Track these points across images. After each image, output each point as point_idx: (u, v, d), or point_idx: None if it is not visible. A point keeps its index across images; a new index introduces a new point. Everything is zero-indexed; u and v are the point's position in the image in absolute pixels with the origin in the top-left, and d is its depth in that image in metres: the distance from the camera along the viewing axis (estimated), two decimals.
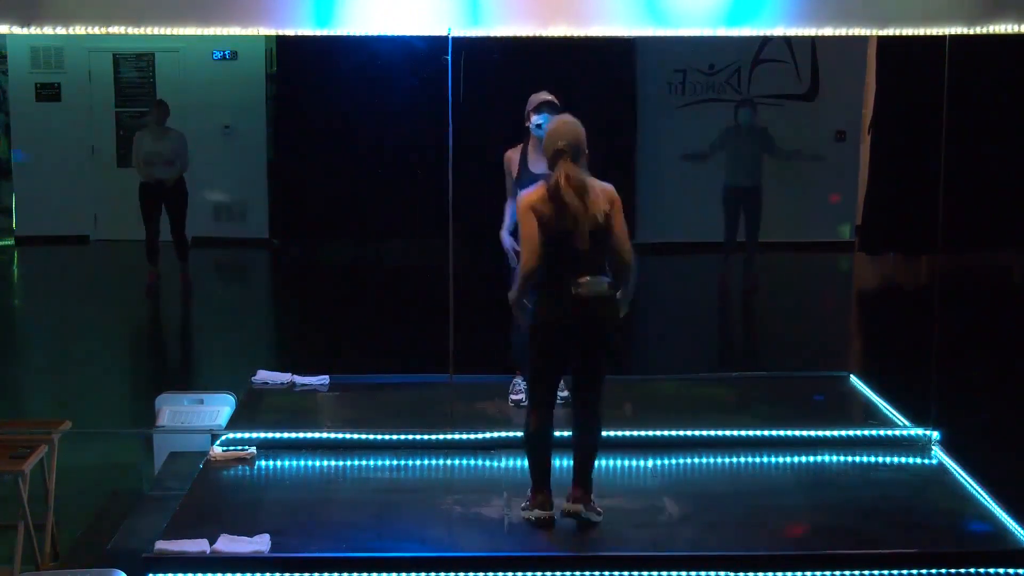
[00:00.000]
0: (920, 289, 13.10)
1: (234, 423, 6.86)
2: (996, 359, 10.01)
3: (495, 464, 6.52)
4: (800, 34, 7.21)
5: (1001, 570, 5.38)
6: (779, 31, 6.74)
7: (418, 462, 6.58)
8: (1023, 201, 13.95)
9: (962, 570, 5.37)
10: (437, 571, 5.33)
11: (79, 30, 6.44)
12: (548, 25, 6.43)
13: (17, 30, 6.40)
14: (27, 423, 6.58)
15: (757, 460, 6.62)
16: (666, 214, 14.60)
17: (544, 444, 5.76)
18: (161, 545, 5.35)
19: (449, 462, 6.58)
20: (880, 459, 6.63)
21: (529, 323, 5.64)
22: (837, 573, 5.35)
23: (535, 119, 6.87)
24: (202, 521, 5.66)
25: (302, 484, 6.39)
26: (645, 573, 5.32)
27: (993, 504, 5.92)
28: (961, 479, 6.30)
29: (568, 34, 6.46)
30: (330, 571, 5.30)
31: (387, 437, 6.73)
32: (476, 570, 5.33)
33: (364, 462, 6.57)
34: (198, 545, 5.34)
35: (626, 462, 6.54)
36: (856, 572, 5.36)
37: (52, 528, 6.11)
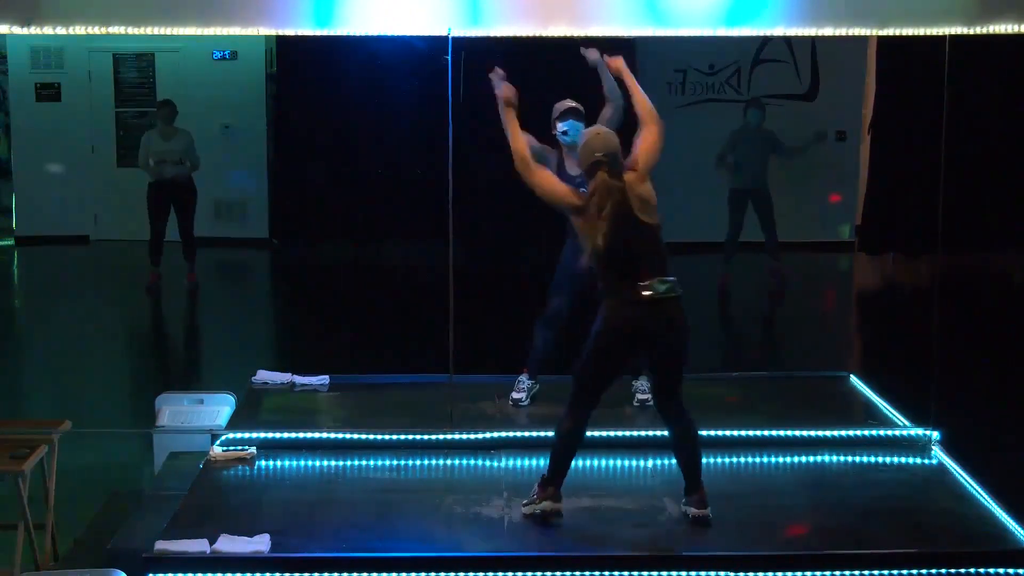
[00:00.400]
0: (920, 289, 13.10)
1: (234, 423, 6.86)
2: (996, 359, 10.01)
3: (495, 464, 6.52)
4: (800, 34, 7.21)
5: (1001, 570, 5.39)
6: (779, 31, 6.74)
7: (418, 462, 6.58)
8: (1023, 201, 13.95)
9: (962, 570, 5.37)
10: (437, 571, 5.33)
11: (79, 30, 6.45)
12: (548, 25, 6.43)
13: (17, 30, 6.40)
14: (27, 423, 6.59)
15: (757, 460, 6.62)
16: (666, 214, 14.56)
17: (576, 444, 5.77)
18: (161, 545, 5.35)
19: (449, 462, 6.58)
20: (880, 459, 6.63)
21: (596, 328, 5.67)
22: (837, 573, 5.35)
23: (560, 126, 6.91)
24: (202, 521, 5.66)
25: (302, 484, 6.39)
26: (645, 573, 5.32)
27: (993, 504, 5.92)
28: (961, 479, 6.30)
29: (568, 34, 6.46)
30: (330, 571, 5.30)
31: (387, 437, 6.72)
32: (476, 570, 5.33)
33: (364, 462, 6.57)
34: (198, 545, 5.34)
35: (626, 462, 6.54)
36: (856, 572, 5.36)
37: (52, 528, 6.11)
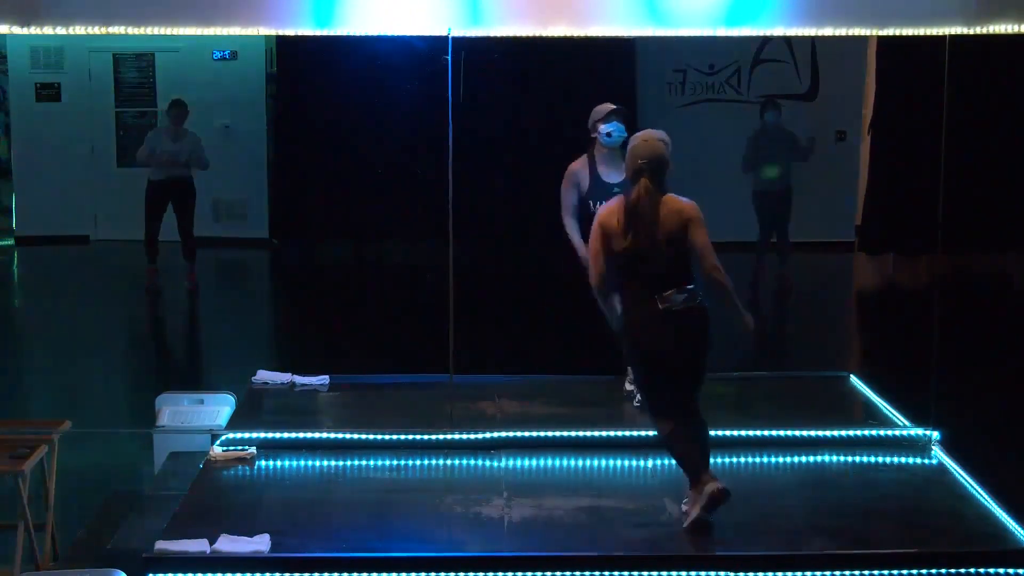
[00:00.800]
0: (920, 289, 13.10)
1: (234, 423, 6.86)
2: (996, 359, 10.01)
3: (495, 464, 6.52)
4: (800, 34, 7.21)
5: (1001, 570, 5.38)
6: (779, 31, 6.74)
7: (418, 462, 6.58)
8: (1023, 202, 13.95)
9: (962, 570, 5.37)
10: (437, 571, 5.33)
11: (79, 30, 6.44)
12: (548, 25, 6.43)
13: (17, 30, 6.40)
14: (27, 423, 6.58)
15: (757, 460, 6.62)
16: None
17: (688, 440, 5.73)
18: (161, 545, 5.35)
19: (449, 462, 6.58)
20: (880, 459, 6.63)
21: (625, 344, 5.72)
22: (837, 573, 5.35)
23: (604, 127, 6.93)
24: (202, 521, 5.66)
25: (302, 484, 6.39)
26: (645, 573, 5.32)
27: (993, 504, 5.92)
28: (961, 479, 6.30)
29: (568, 34, 6.45)
30: (330, 571, 5.30)
31: (387, 437, 6.72)
32: (476, 570, 5.33)
33: (364, 462, 6.57)
34: (198, 545, 5.34)
35: (626, 462, 6.54)
36: (856, 572, 5.36)
37: (52, 528, 6.11)
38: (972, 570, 5.37)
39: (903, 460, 6.64)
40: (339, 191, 14.62)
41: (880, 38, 12.05)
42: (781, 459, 6.62)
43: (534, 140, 13.37)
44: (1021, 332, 10.99)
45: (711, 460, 5.74)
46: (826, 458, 6.62)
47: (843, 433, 6.79)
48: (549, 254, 7.13)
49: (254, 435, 6.67)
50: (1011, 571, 5.39)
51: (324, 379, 7.66)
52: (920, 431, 6.81)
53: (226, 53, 15.26)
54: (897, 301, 13.21)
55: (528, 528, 5.67)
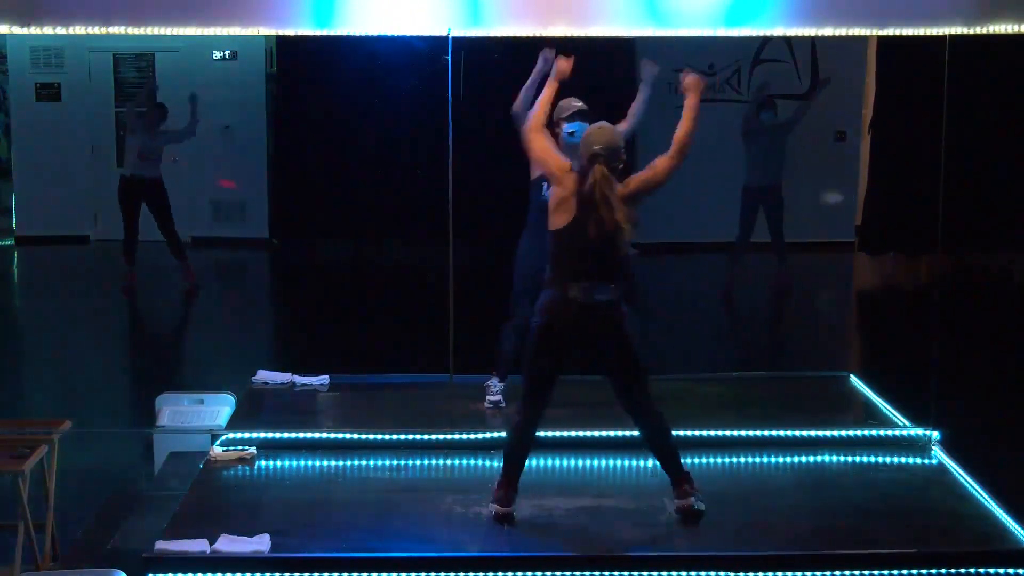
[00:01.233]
0: (920, 289, 13.10)
1: (234, 423, 6.86)
2: (996, 359, 10.01)
3: (495, 464, 6.49)
4: (800, 34, 7.22)
5: (1001, 570, 5.39)
6: (779, 31, 6.75)
7: (418, 462, 6.58)
8: (1023, 201, 13.95)
9: (962, 570, 5.37)
10: (437, 571, 5.33)
11: (79, 30, 6.45)
12: (548, 25, 6.43)
13: (17, 30, 6.40)
14: (27, 423, 6.57)
15: (757, 460, 6.62)
16: (666, 214, 14.58)
17: (527, 442, 5.77)
18: (161, 545, 5.35)
19: (449, 462, 6.58)
20: (880, 459, 6.63)
21: (534, 322, 5.68)
22: (837, 573, 5.35)
23: (567, 127, 6.86)
24: (202, 521, 5.66)
25: (302, 484, 6.39)
26: (645, 573, 5.32)
27: (993, 504, 5.92)
28: (961, 479, 6.30)
29: (568, 34, 6.46)
30: (330, 571, 5.30)
31: (387, 437, 6.73)
32: (476, 570, 5.33)
33: (364, 462, 6.57)
34: (198, 545, 5.34)
35: (626, 462, 6.54)
36: (856, 572, 5.36)
37: (52, 528, 6.11)
38: (972, 570, 5.37)
39: (903, 460, 6.64)
40: (339, 191, 14.62)
41: (880, 38, 12.07)
42: (781, 459, 6.62)
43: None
44: (1021, 332, 10.99)
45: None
46: (826, 458, 6.63)
47: (843, 433, 6.79)
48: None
49: (254, 435, 6.67)
50: (1011, 571, 5.39)
51: (324, 379, 7.66)
52: (920, 431, 6.81)
53: (226, 53, 15.26)
54: (897, 301, 13.20)
55: (528, 528, 5.67)
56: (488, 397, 7.23)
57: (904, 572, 5.36)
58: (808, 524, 5.81)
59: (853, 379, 7.90)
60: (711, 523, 5.75)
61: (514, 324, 7.07)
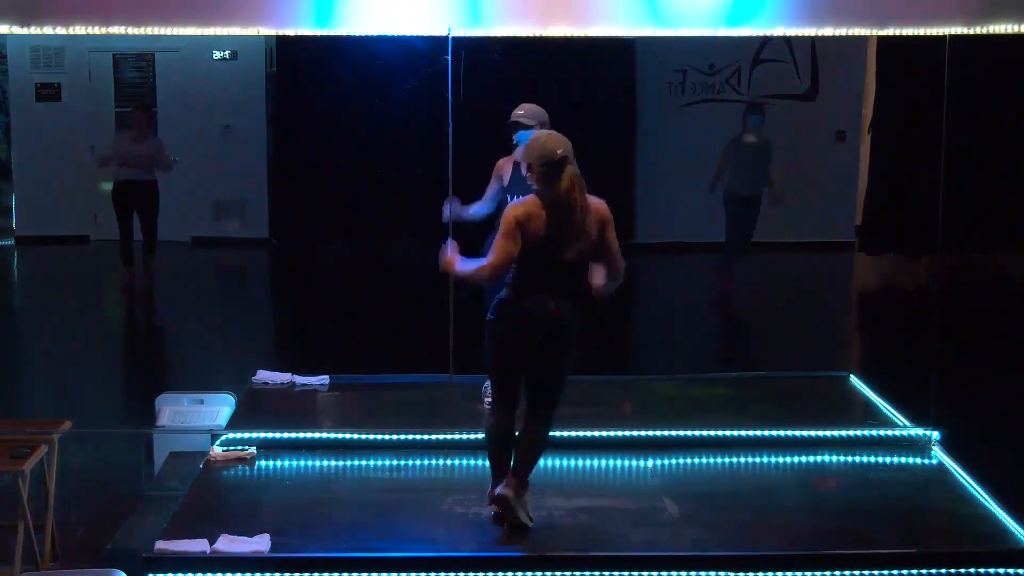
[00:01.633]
0: (920, 289, 13.10)
1: (234, 423, 6.86)
2: (996, 359, 10.01)
3: None
4: (800, 34, 7.21)
5: (1001, 570, 5.39)
6: (779, 31, 6.75)
7: (418, 462, 6.58)
8: (1023, 201, 13.94)
9: (962, 570, 5.37)
10: (437, 571, 5.34)
11: (79, 30, 6.45)
12: (548, 25, 6.43)
13: (17, 30, 6.40)
14: (27, 423, 6.56)
15: (757, 460, 6.62)
16: (665, 214, 14.61)
17: (504, 440, 5.73)
18: (161, 545, 5.35)
19: (449, 462, 6.58)
20: (880, 459, 6.63)
21: (488, 330, 5.61)
22: (837, 573, 5.35)
23: (517, 137, 6.88)
24: (202, 521, 5.66)
25: (302, 484, 6.39)
26: (645, 573, 5.32)
27: (993, 504, 5.92)
28: (961, 479, 6.30)
29: (568, 34, 6.46)
30: (330, 571, 5.31)
31: (387, 437, 6.73)
32: (476, 570, 5.33)
33: (364, 462, 6.58)
34: (198, 545, 5.34)
35: (626, 462, 6.54)
36: (856, 572, 5.36)
37: (52, 528, 6.11)
38: (972, 570, 5.38)
39: (903, 460, 6.64)
40: (339, 191, 14.61)
41: (880, 38, 12.06)
42: (781, 459, 6.62)
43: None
44: (1021, 332, 10.99)
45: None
46: (826, 458, 6.63)
47: (843, 433, 6.79)
48: None
49: (254, 435, 6.67)
50: (1011, 571, 5.39)
51: (324, 379, 7.66)
52: (920, 431, 6.82)
53: (226, 53, 15.26)
54: (897, 301, 13.20)
55: (528, 528, 5.66)
56: (486, 399, 7.23)
57: (904, 572, 5.36)
58: (808, 524, 5.82)
59: (853, 379, 7.90)
60: (711, 523, 5.75)
61: None
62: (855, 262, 14.84)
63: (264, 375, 7.71)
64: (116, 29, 6.42)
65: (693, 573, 5.34)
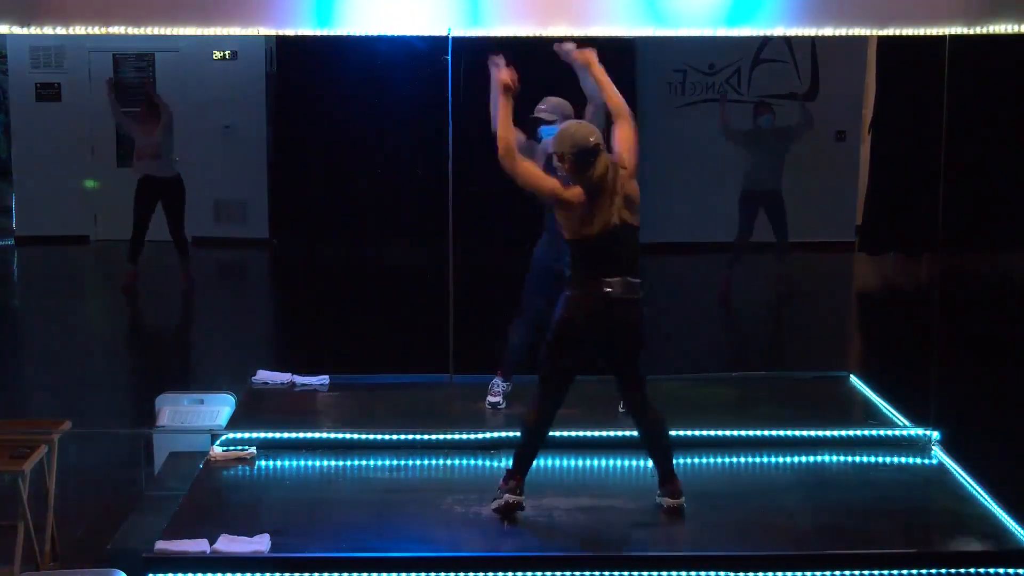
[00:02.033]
0: (920, 289, 13.10)
1: (234, 423, 6.86)
2: (996, 359, 10.01)
3: (495, 464, 6.51)
4: (800, 34, 7.21)
5: (1001, 570, 5.39)
6: (779, 31, 6.75)
7: (418, 462, 6.58)
8: (1023, 201, 13.94)
9: (962, 570, 5.37)
10: (437, 571, 5.34)
11: (79, 30, 6.45)
12: (548, 25, 6.43)
13: (17, 30, 6.40)
14: (27, 423, 6.57)
15: (757, 460, 6.62)
16: (666, 214, 14.60)
17: (540, 439, 5.81)
18: (161, 545, 5.35)
19: (449, 462, 6.58)
20: (880, 459, 6.63)
21: (556, 317, 5.70)
22: (837, 573, 5.35)
23: (544, 131, 6.87)
24: (202, 521, 5.66)
25: (302, 484, 6.39)
26: (645, 573, 5.32)
27: (993, 504, 5.92)
28: (961, 479, 6.30)
29: (568, 34, 6.46)
30: (330, 571, 5.31)
31: (387, 437, 6.73)
32: (476, 570, 5.33)
33: (364, 462, 6.57)
34: (198, 545, 5.34)
35: (626, 462, 6.54)
36: (856, 572, 5.36)
37: (52, 528, 6.11)
38: (972, 570, 5.37)
39: (903, 460, 6.64)
40: (339, 191, 14.62)
41: (880, 38, 12.06)
42: (781, 459, 6.62)
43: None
44: (1021, 332, 10.99)
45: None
46: (826, 458, 6.63)
47: (843, 433, 6.79)
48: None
49: (254, 435, 6.67)
50: (1011, 571, 5.39)
51: (324, 379, 7.66)
52: (920, 431, 6.81)
53: (226, 53, 15.25)
54: (897, 301, 13.20)
55: (528, 528, 5.67)
56: (489, 398, 7.23)
57: (904, 572, 5.36)
58: (808, 524, 5.81)
59: (853, 379, 7.90)
60: (711, 523, 5.75)
61: (522, 318, 7.08)
62: (855, 262, 14.84)
63: (264, 375, 7.70)
64: (116, 29, 6.41)
65: (693, 573, 5.34)
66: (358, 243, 14.81)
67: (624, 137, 5.83)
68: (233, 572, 5.30)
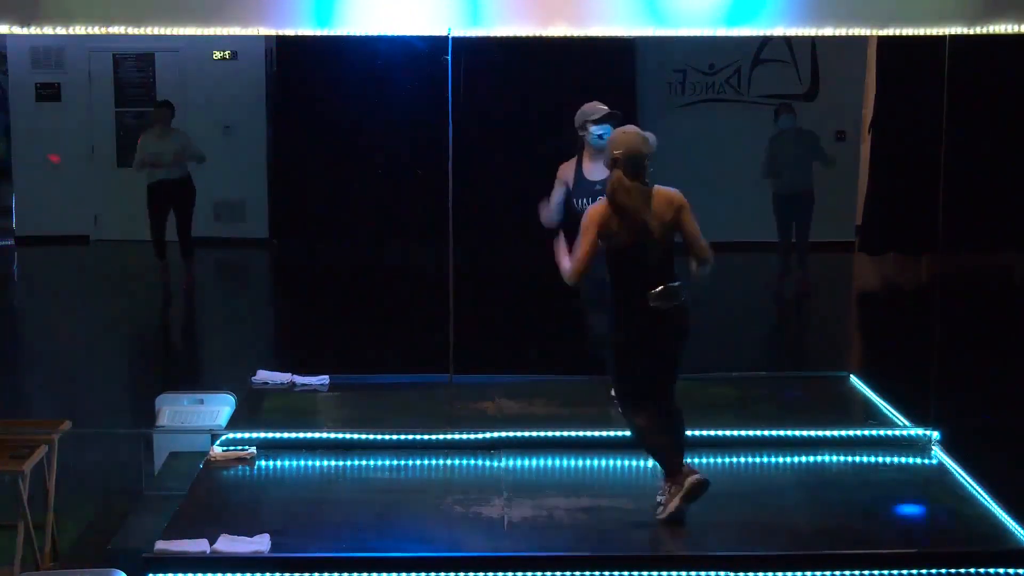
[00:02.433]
0: (920, 289, 13.10)
1: (234, 423, 6.86)
2: (996, 359, 10.01)
3: (495, 464, 6.52)
4: (800, 34, 7.21)
5: (1001, 570, 5.39)
6: (779, 31, 6.74)
7: (418, 462, 6.58)
8: (1023, 201, 13.94)
9: (962, 570, 5.37)
10: (437, 571, 5.33)
11: (79, 30, 6.45)
12: (548, 25, 6.43)
13: (17, 30, 6.40)
14: (27, 423, 6.57)
15: (757, 460, 6.62)
16: None
17: (660, 436, 5.78)
18: (161, 545, 5.35)
19: (449, 462, 6.58)
20: (880, 459, 6.63)
21: (611, 340, 5.73)
22: (837, 573, 5.35)
23: (596, 129, 6.92)
24: (202, 521, 5.66)
25: (302, 484, 6.39)
26: (645, 573, 5.32)
27: (993, 504, 5.92)
28: (961, 479, 6.30)
29: (568, 34, 6.46)
30: (330, 571, 5.30)
31: (387, 437, 6.73)
32: (476, 570, 5.33)
33: (364, 462, 6.57)
34: (198, 545, 5.34)
35: (626, 462, 6.54)
36: (856, 572, 5.36)
37: (52, 528, 6.11)
38: (972, 570, 5.37)
39: (903, 460, 6.64)
40: (339, 191, 14.62)
41: (880, 38, 12.05)
42: (781, 459, 6.62)
43: (534, 140, 13.42)
44: (1021, 332, 10.99)
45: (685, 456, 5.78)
46: (826, 458, 6.63)
47: (843, 433, 6.79)
48: (549, 254, 7.14)
49: (254, 435, 6.67)
50: (1011, 571, 5.39)
51: (324, 379, 7.66)
52: (920, 431, 6.81)
53: (226, 53, 15.25)
54: (897, 301, 13.20)
55: (528, 528, 5.67)
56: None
57: (904, 572, 5.36)
58: (808, 524, 5.81)
59: (853, 379, 7.90)
60: (711, 523, 5.74)
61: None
62: (855, 262, 14.84)
63: (264, 375, 7.70)
64: (116, 29, 6.42)
65: (693, 573, 5.34)
66: (358, 243, 14.81)
67: (697, 236, 5.77)
68: (233, 572, 5.30)
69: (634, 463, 6.52)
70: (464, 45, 6.58)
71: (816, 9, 6.53)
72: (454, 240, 6.76)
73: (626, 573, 5.32)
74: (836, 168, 12.87)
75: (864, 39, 13.90)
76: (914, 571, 5.36)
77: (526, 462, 6.52)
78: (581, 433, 6.70)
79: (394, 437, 6.72)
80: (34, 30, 6.37)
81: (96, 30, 6.47)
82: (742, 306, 12.69)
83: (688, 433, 6.54)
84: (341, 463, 6.56)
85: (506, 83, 13.25)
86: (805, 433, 6.77)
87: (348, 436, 6.73)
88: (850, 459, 6.61)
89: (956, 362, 7.43)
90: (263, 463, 6.52)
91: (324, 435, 6.76)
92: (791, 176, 12.33)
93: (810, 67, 15.22)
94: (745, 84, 15.18)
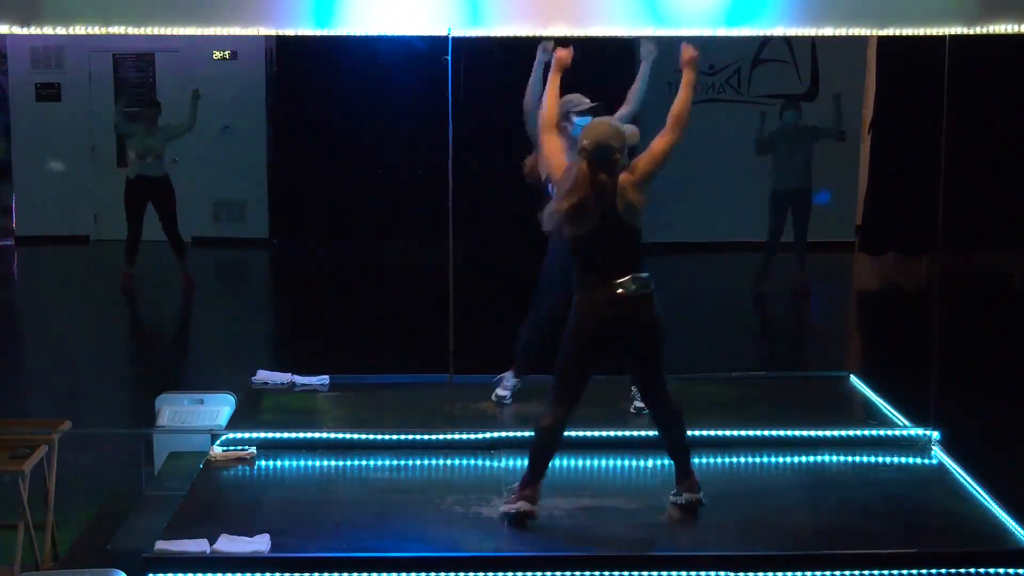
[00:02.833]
0: (920, 289, 13.10)
1: (234, 423, 6.86)
2: (996, 359, 10.01)
3: (495, 464, 6.52)
4: (800, 34, 7.21)
5: (1001, 570, 5.39)
6: (779, 31, 6.75)
7: (418, 462, 6.58)
8: (1023, 201, 13.94)
9: (962, 570, 5.37)
10: (437, 571, 5.33)
11: (79, 30, 6.44)
12: (548, 25, 6.43)
13: (17, 30, 6.40)
14: (27, 423, 6.58)
15: (757, 460, 6.62)
16: (667, 214, 14.59)
17: (555, 442, 5.79)
18: (161, 545, 5.35)
19: (449, 462, 6.58)
20: (880, 459, 6.63)
21: (570, 324, 5.68)
22: (837, 573, 5.35)
23: (578, 121, 6.86)
24: (202, 521, 5.66)
25: (302, 484, 6.39)
26: (645, 573, 5.32)
27: (993, 504, 5.92)
28: (961, 479, 6.30)
29: (568, 34, 6.46)
30: (330, 571, 5.30)
31: (387, 437, 6.72)
32: (476, 570, 5.33)
33: (364, 462, 6.57)
34: (198, 545, 5.34)
35: (626, 462, 6.54)
36: (856, 572, 5.36)
37: (52, 528, 6.11)
38: (972, 570, 5.37)
39: (903, 460, 6.64)
40: (339, 191, 14.62)
41: (880, 38, 12.05)
42: (781, 459, 6.62)
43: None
44: (1021, 332, 10.99)
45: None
46: (826, 458, 6.62)
47: (843, 433, 6.78)
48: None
49: (254, 435, 6.67)
50: (1011, 571, 5.39)
51: (324, 379, 7.66)
52: (920, 431, 6.81)
53: (226, 53, 15.25)
54: (897, 301, 13.21)
55: (528, 528, 5.66)
56: (497, 390, 7.21)
57: (904, 572, 5.36)
58: (808, 524, 5.81)
59: (853, 379, 7.90)
60: (711, 523, 5.75)
61: (534, 318, 7.08)
62: (855, 262, 14.84)
63: (264, 375, 7.70)
64: (116, 29, 6.42)
65: (693, 573, 5.34)
66: (358, 243, 14.82)
67: (655, 148, 5.79)
68: (233, 572, 5.29)
69: (634, 463, 6.52)
70: (464, 45, 6.58)
71: (816, 9, 6.53)
72: (454, 240, 6.76)
73: (626, 573, 5.32)
74: (844, 141, 12.79)
75: (864, 39, 13.90)
76: (914, 571, 5.36)
77: (526, 462, 6.50)
78: (581, 433, 6.69)
79: (394, 437, 6.72)
80: (34, 30, 6.37)
81: (96, 30, 6.47)
82: (742, 306, 12.70)
83: (688, 433, 6.55)
84: (341, 463, 6.56)
85: (506, 83, 13.24)
86: (805, 433, 6.77)
87: (348, 436, 6.73)
88: (850, 459, 6.61)
89: (956, 362, 7.44)
90: (263, 463, 6.52)
91: (324, 435, 6.75)
92: (789, 172, 12.33)
93: (810, 67, 15.22)
94: (745, 84, 15.18)
